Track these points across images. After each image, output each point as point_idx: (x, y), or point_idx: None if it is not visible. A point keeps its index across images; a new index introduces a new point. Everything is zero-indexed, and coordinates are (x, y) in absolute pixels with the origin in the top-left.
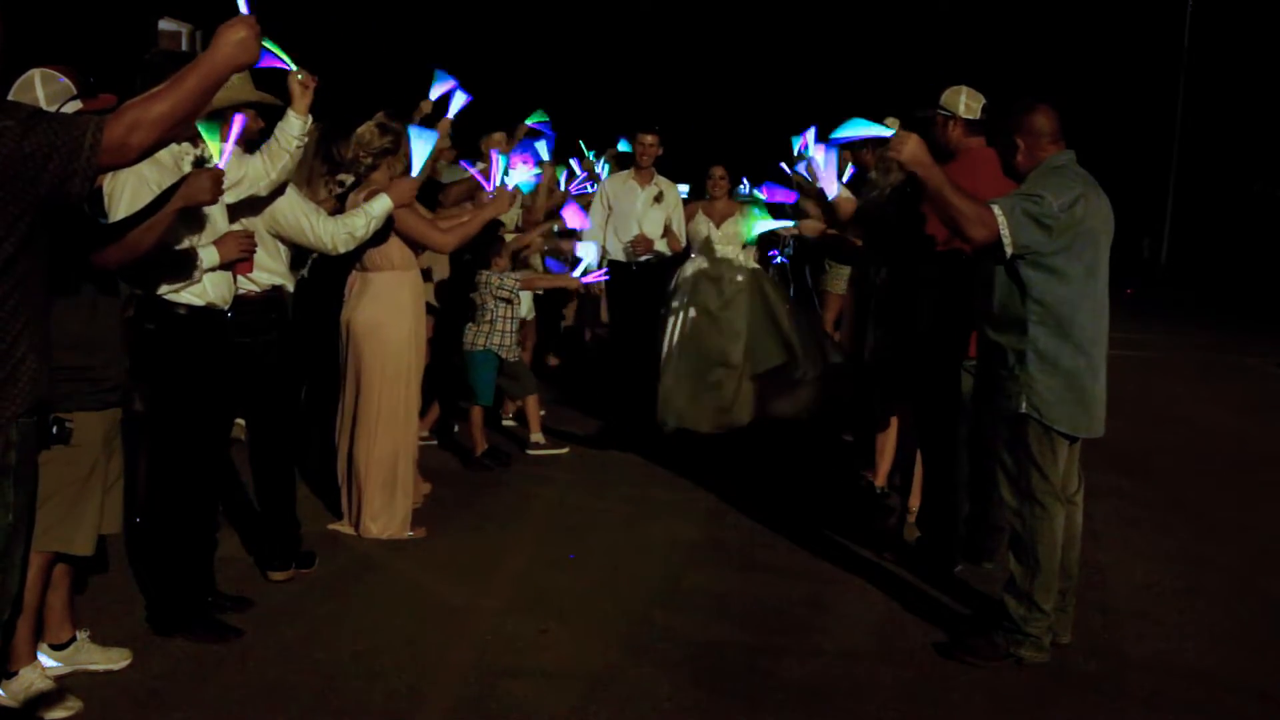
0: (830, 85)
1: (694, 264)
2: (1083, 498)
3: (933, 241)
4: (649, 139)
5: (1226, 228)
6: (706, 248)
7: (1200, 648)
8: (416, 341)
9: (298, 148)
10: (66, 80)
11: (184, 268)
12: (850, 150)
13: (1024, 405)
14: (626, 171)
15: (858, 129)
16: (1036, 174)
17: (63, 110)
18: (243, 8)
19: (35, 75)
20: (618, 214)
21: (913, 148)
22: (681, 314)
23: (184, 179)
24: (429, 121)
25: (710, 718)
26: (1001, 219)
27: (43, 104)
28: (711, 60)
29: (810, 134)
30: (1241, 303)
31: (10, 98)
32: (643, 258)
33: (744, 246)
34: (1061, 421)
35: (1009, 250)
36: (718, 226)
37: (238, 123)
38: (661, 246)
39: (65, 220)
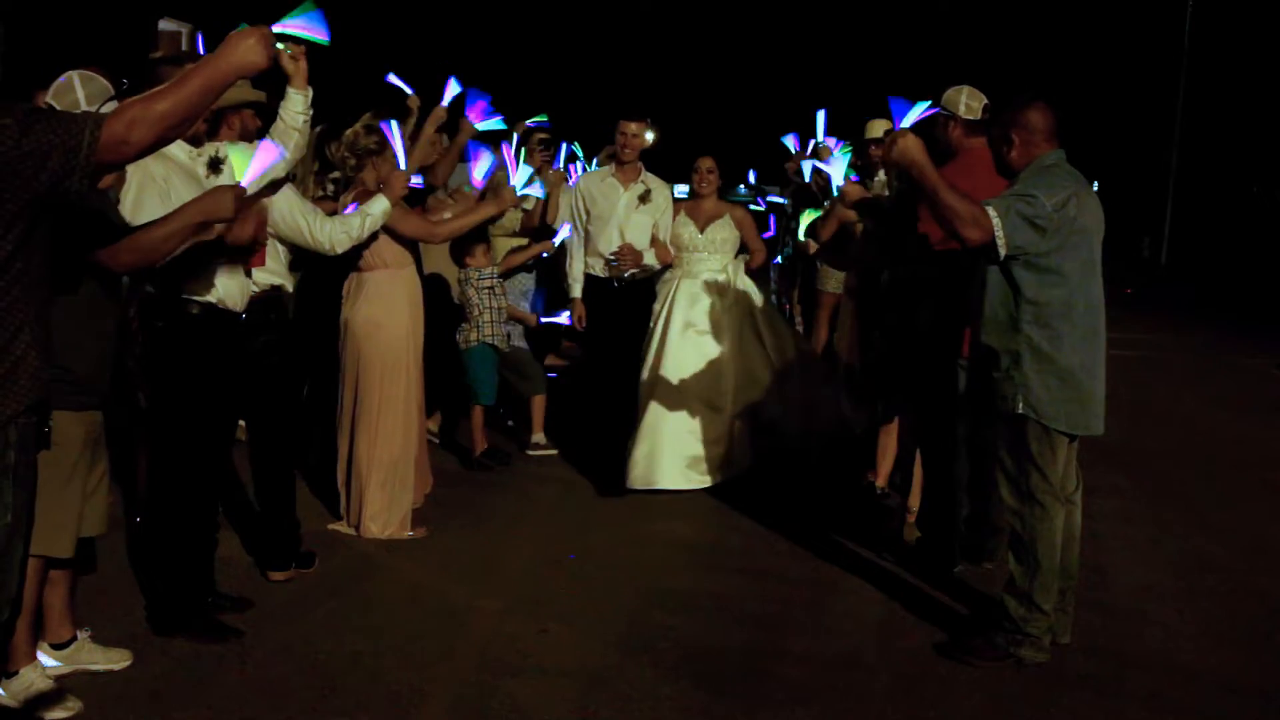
0: (829, 85)
1: (671, 281)
2: (1081, 497)
3: (931, 242)
4: (633, 127)
5: (1226, 228)
6: (687, 258)
7: (1200, 648)
8: (414, 339)
9: (304, 123)
10: (104, 80)
11: (195, 263)
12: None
13: (1021, 406)
14: (606, 167)
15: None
16: (1028, 173)
17: (102, 109)
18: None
19: (74, 77)
20: (595, 218)
21: (905, 146)
22: (656, 347)
23: (206, 194)
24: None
25: (710, 718)
26: (996, 220)
27: (83, 104)
28: (711, 60)
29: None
30: (1241, 303)
31: (49, 100)
32: (628, 273)
33: (736, 255)
34: (1059, 420)
35: (1003, 251)
36: (701, 230)
37: (266, 152)
38: (650, 259)
39: (77, 219)
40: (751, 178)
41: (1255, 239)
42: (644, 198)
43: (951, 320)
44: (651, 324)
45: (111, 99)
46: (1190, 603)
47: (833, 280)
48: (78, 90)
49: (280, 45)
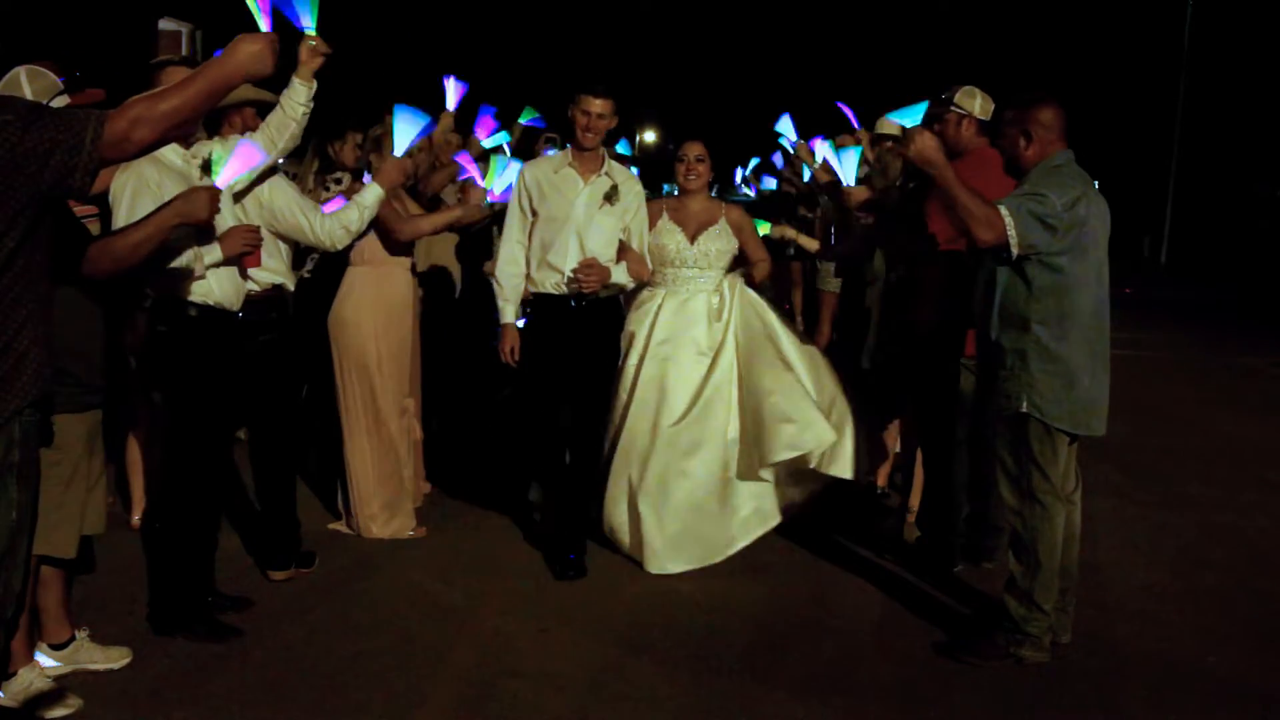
0: (829, 85)
1: (649, 303)
2: (1081, 496)
3: (933, 241)
4: (598, 104)
5: (1226, 228)
6: (673, 274)
7: (1200, 648)
8: (387, 338)
9: (304, 116)
10: (52, 76)
11: (187, 265)
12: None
13: (1025, 404)
14: (560, 154)
15: (909, 115)
16: (1037, 173)
17: (52, 105)
18: (263, 25)
19: (21, 73)
20: (546, 220)
21: (922, 145)
22: (630, 386)
23: (180, 195)
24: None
25: (710, 717)
26: (1009, 219)
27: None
28: (710, 60)
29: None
30: (1241, 303)
31: None
32: (588, 292)
33: (729, 271)
34: (1063, 420)
35: (1016, 251)
36: (692, 240)
37: (246, 155)
38: (620, 275)
39: (60, 224)
40: (738, 177)
41: (1256, 239)
42: (609, 196)
43: (953, 320)
44: (622, 358)
45: (60, 94)
46: (1190, 603)
47: (834, 280)
48: (24, 86)
49: (310, 33)
